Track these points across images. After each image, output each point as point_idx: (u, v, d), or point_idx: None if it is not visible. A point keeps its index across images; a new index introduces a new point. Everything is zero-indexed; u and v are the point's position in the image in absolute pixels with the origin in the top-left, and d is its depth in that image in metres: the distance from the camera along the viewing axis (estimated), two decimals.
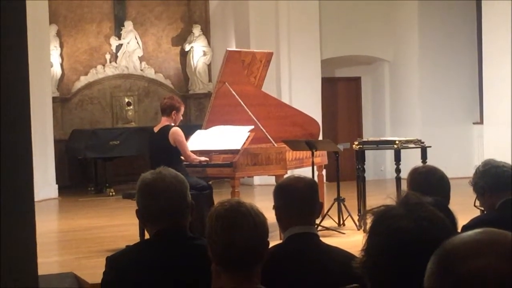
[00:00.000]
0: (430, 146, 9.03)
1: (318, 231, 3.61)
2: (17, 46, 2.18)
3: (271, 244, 2.84)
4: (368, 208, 1.90)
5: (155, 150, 8.19)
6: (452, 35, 14.70)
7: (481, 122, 13.78)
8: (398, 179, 8.69)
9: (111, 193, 13.41)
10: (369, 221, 1.87)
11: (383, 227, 1.81)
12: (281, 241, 3.36)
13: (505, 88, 11.76)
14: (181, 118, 8.37)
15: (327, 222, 8.89)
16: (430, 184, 3.98)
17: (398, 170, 8.69)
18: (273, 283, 2.86)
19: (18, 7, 2.18)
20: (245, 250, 2.62)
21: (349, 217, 8.99)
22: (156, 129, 8.25)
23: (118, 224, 9.99)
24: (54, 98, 14.42)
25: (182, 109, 8.28)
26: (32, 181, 2.24)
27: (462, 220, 3.41)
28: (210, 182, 8.57)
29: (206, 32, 16.45)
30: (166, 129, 8.07)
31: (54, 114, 14.25)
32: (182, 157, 8.23)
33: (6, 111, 2.14)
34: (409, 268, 1.71)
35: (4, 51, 2.14)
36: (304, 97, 14.06)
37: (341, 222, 9.15)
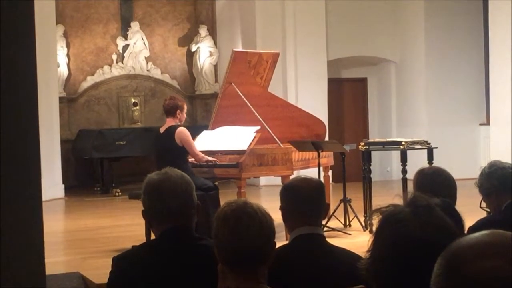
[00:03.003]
0: (436, 147, 9.03)
1: (324, 232, 3.61)
2: (25, 47, 2.19)
3: (278, 245, 2.84)
4: (375, 208, 1.90)
5: (161, 151, 8.20)
6: (458, 36, 14.69)
7: (488, 123, 13.76)
8: (404, 180, 8.68)
9: (117, 193, 13.43)
10: (376, 220, 1.87)
11: (389, 231, 1.82)
12: (287, 242, 3.36)
13: (511, 89, 11.74)
14: (185, 116, 8.38)
15: (333, 223, 8.89)
16: (436, 185, 3.98)
17: (404, 171, 8.68)
18: (279, 284, 2.86)
19: (27, 8, 2.19)
20: (252, 250, 2.62)
21: (355, 218, 8.99)
22: (162, 130, 8.25)
23: (124, 224, 10.00)
24: (60, 98, 14.45)
25: (185, 107, 8.29)
26: (40, 181, 2.24)
27: (468, 221, 3.41)
28: (216, 183, 8.57)
29: (212, 33, 16.46)
30: (172, 129, 8.08)
31: (60, 114, 14.27)
32: (189, 157, 8.24)
33: (14, 112, 2.15)
34: (413, 273, 1.72)
35: (12, 52, 2.14)
36: (310, 97, 14.06)
37: (347, 223, 9.14)
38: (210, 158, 8.42)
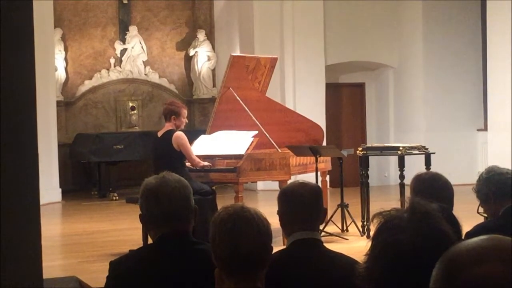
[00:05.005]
0: (434, 153, 9.03)
1: (321, 237, 3.61)
2: (24, 51, 2.19)
3: (275, 250, 2.84)
4: (377, 212, 1.90)
5: (159, 155, 8.20)
6: (456, 41, 14.71)
7: (485, 129, 13.76)
8: (402, 185, 8.68)
9: (114, 198, 13.42)
10: (375, 224, 1.87)
11: (383, 236, 1.82)
12: (284, 247, 3.36)
13: (509, 95, 11.75)
14: (186, 121, 8.37)
15: (331, 228, 8.89)
16: (433, 190, 3.97)
17: (402, 176, 8.69)
18: None
19: (26, 12, 2.19)
20: (249, 255, 2.62)
21: (353, 223, 8.99)
22: (159, 134, 8.27)
23: (121, 229, 10.00)
24: (58, 102, 14.45)
25: (184, 112, 8.26)
26: (38, 185, 2.24)
27: (465, 227, 3.41)
28: (214, 187, 8.57)
29: (210, 37, 16.47)
30: (169, 133, 8.09)
31: (58, 118, 14.27)
32: (186, 162, 8.24)
33: (13, 115, 2.15)
34: (406, 280, 1.72)
35: (11, 55, 2.14)
36: (308, 102, 14.07)
37: (345, 228, 9.15)
38: (206, 163, 8.42)
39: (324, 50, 14.73)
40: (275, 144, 8.95)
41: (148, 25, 16.28)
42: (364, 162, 9.12)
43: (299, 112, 10.59)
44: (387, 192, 13.48)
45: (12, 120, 2.15)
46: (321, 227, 7.76)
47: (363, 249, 1.89)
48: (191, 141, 8.45)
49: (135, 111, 15.91)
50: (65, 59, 15.50)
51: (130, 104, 15.90)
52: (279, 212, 3.37)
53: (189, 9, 16.58)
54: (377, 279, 1.77)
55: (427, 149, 9.00)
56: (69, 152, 14.77)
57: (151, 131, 12.77)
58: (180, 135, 8.08)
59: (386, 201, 10.86)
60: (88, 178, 15.13)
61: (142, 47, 16.06)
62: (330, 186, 12.09)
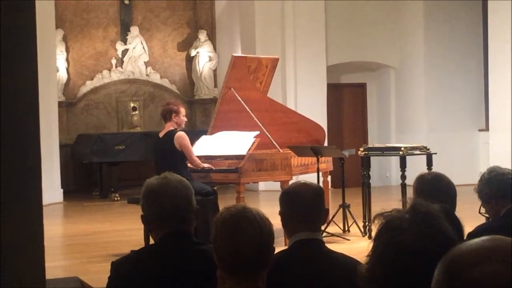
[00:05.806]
0: (435, 153, 9.03)
1: (323, 237, 3.61)
2: (26, 52, 2.19)
3: (277, 250, 2.84)
4: (378, 212, 1.90)
5: (160, 155, 8.20)
6: (458, 41, 14.70)
7: (487, 129, 13.76)
8: (403, 186, 8.68)
9: (116, 198, 13.42)
10: (377, 224, 1.87)
11: (385, 238, 1.82)
12: (286, 247, 3.36)
13: (511, 95, 11.75)
14: (185, 119, 8.38)
15: (332, 229, 8.88)
16: (436, 190, 3.97)
17: (403, 177, 8.69)
18: None
19: (28, 13, 2.19)
20: (251, 256, 2.62)
21: (354, 223, 8.99)
22: (161, 134, 8.27)
23: (123, 229, 10.00)
24: (59, 103, 14.46)
25: (182, 110, 8.29)
26: (40, 186, 2.24)
27: (467, 227, 3.41)
28: (215, 188, 8.57)
29: (212, 38, 16.47)
30: (171, 134, 8.09)
31: (59, 119, 14.28)
32: (188, 162, 8.24)
33: (15, 116, 2.15)
34: (403, 280, 1.73)
35: (13, 56, 2.14)
36: (310, 103, 14.07)
37: (346, 228, 9.14)
38: (206, 165, 8.43)
39: (325, 51, 14.73)
40: (276, 145, 8.95)
41: (150, 26, 16.29)
42: (365, 163, 9.12)
43: (301, 113, 10.58)
44: (389, 193, 13.48)
45: (15, 121, 2.15)
46: (322, 228, 7.75)
47: (364, 249, 1.90)
48: (192, 141, 8.45)
49: (137, 112, 15.91)
50: (67, 59, 15.52)
51: (132, 105, 15.91)
52: (280, 213, 3.37)
53: (191, 10, 16.58)
54: (379, 279, 1.77)
55: (428, 149, 9.00)
56: (70, 153, 14.78)
57: (153, 132, 12.78)
58: (182, 135, 8.09)
59: (387, 201, 10.88)
60: (89, 178, 15.13)
61: (143, 47, 16.07)
62: (331, 186, 12.10)
